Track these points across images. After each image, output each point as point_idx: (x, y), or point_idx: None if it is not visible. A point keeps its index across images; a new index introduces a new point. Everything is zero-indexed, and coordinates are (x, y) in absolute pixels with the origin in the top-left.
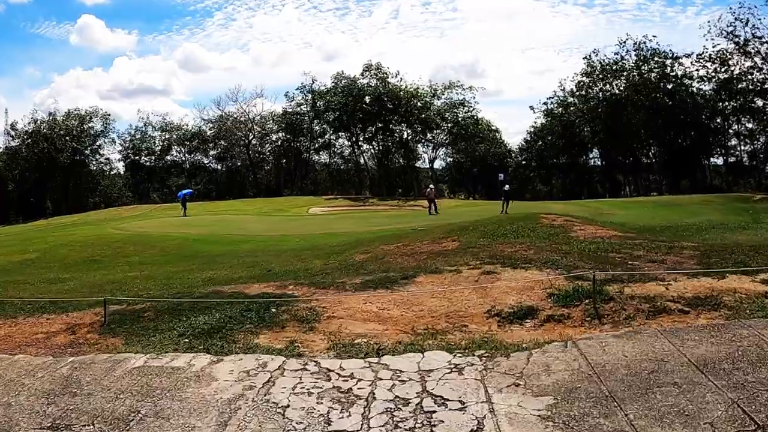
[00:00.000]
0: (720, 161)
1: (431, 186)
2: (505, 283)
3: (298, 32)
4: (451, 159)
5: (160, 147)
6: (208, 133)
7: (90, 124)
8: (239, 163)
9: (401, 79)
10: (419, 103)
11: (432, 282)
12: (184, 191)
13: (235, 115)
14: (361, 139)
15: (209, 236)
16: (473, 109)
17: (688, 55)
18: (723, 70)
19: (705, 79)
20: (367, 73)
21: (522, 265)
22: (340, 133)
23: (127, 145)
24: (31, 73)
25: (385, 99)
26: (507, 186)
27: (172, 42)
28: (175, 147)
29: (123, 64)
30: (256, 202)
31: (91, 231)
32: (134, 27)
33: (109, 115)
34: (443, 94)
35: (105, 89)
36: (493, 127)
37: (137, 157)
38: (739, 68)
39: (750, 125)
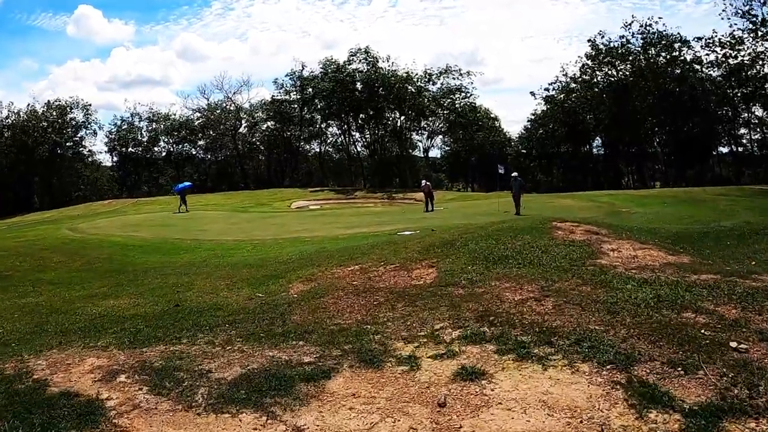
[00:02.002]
0: (725, 150)
1: (426, 181)
2: (502, 421)
3: (296, 21)
4: (448, 148)
5: (147, 138)
6: (196, 123)
7: (71, 116)
8: (228, 154)
9: (392, 63)
10: (412, 89)
11: (356, 396)
12: (183, 184)
13: (224, 104)
14: (352, 127)
15: (153, 242)
16: (471, 95)
17: (698, 39)
18: (733, 55)
19: (714, 64)
20: (355, 58)
21: (535, 348)
22: (330, 122)
23: (113, 136)
24: (28, 65)
25: (376, 85)
26: (520, 178)
27: (169, 32)
28: (163, 138)
29: (120, 55)
30: (238, 195)
31: (44, 232)
32: (131, 17)
33: (90, 105)
34: (439, 80)
35: (103, 80)
36: (492, 115)
37: (124, 149)
38: (751, 53)
39: (760, 113)
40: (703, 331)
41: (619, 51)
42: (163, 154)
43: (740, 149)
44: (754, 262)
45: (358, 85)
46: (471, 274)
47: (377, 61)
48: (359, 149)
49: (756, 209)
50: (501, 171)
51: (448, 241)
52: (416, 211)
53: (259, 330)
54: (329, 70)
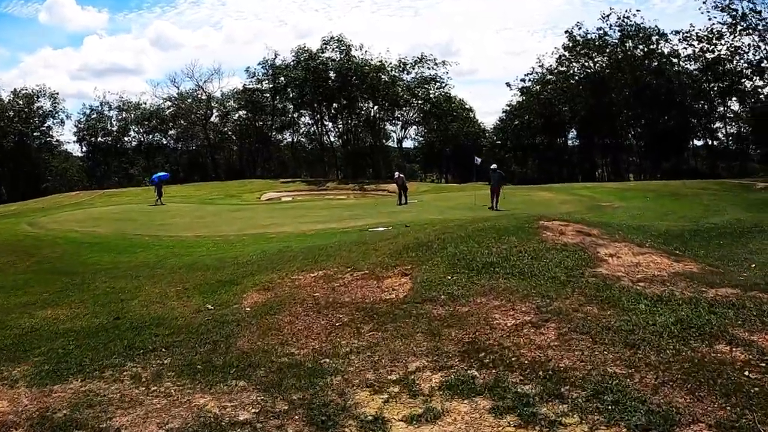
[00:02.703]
0: (700, 143)
1: (399, 173)
2: None
3: (272, 10)
4: (422, 138)
5: (117, 127)
6: (167, 113)
7: (38, 104)
8: (199, 144)
9: (366, 51)
10: (386, 78)
11: None
12: (159, 174)
13: (195, 93)
14: (325, 117)
15: (111, 239)
16: (445, 85)
17: (676, 32)
18: (710, 49)
19: (691, 58)
20: (328, 46)
21: (543, 405)
22: (302, 111)
23: (82, 125)
24: None
25: (349, 74)
26: (498, 169)
27: (143, 20)
28: (133, 127)
29: (93, 43)
30: (207, 186)
31: (0, 228)
32: (104, 4)
33: (57, 93)
34: (413, 69)
35: (75, 69)
36: (467, 106)
37: (93, 139)
38: (728, 48)
39: (736, 107)
40: (747, 373)
41: (597, 43)
42: (134, 144)
43: (715, 143)
44: (754, 265)
45: (331, 74)
46: (451, 287)
47: (350, 50)
48: (332, 139)
49: (741, 204)
50: (478, 162)
51: (423, 243)
52: (389, 204)
53: (197, 359)
54: (302, 59)
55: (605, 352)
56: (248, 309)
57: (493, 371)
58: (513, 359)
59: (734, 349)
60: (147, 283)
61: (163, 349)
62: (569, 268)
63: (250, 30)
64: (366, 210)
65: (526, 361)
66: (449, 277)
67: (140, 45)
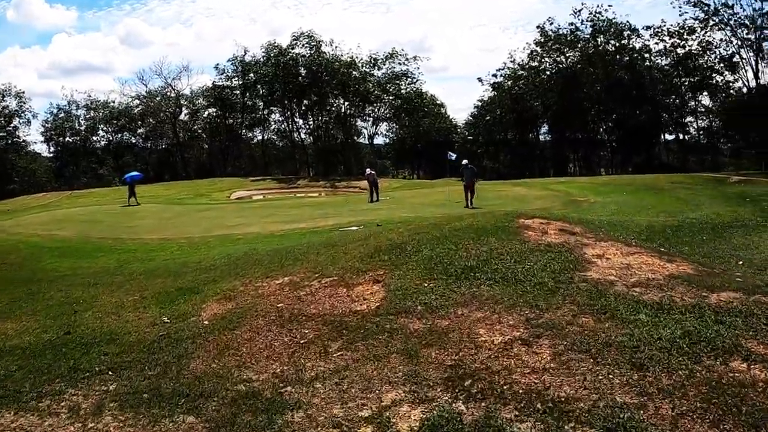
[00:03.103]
0: (671, 137)
1: (370, 170)
2: None
3: (243, 8)
4: (394, 135)
5: (85, 127)
6: (135, 111)
7: (4, 104)
8: (169, 142)
9: (336, 47)
10: (356, 74)
11: None
12: (132, 174)
13: (164, 91)
14: (296, 114)
15: (73, 243)
16: (417, 81)
17: (647, 27)
18: (681, 44)
19: (662, 53)
20: (298, 42)
21: None
22: (272, 108)
23: (49, 125)
24: None
25: (320, 69)
26: (470, 164)
27: (112, 17)
28: (102, 126)
29: (62, 41)
30: (176, 185)
31: None
32: (73, 2)
33: (24, 92)
34: (384, 65)
35: (44, 67)
36: (438, 102)
37: (61, 138)
38: (699, 43)
39: (707, 102)
40: None
41: (568, 38)
42: (102, 143)
43: (686, 137)
44: (741, 262)
45: (302, 70)
46: (429, 296)
47: (320, 46)
48: (303, 136)
49: (718, 198)
50: (451, 157)
51: (396, 245)
52: (360, 202)
53: (144, 386)
54: (272, 55)
55: (610, 376)
56: (206, 322)
57: (483, 404)
58: (505, 387)
59: (752, 366)
60: (104, 292)
61: (110, 372)
62: (556, 272)
63: (221, 28)
64: (336, 208)
65: (520, 390)
66: (425, 284)
67: (110, 43)
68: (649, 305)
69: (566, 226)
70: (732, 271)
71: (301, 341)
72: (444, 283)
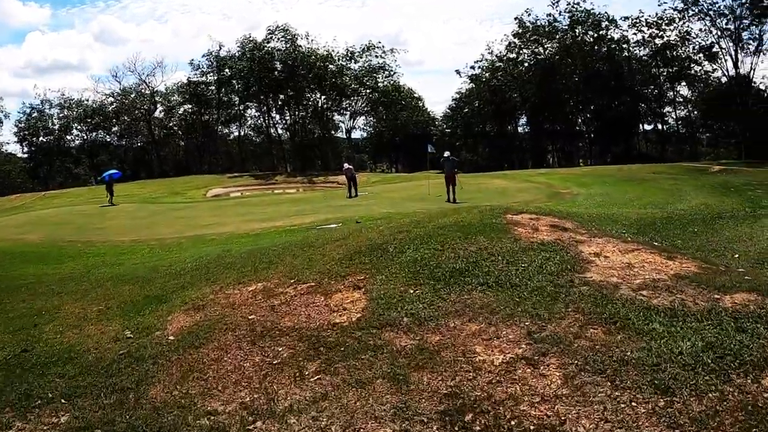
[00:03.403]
0: (649, 128)
1: (348, 164)
2: None
3: (218, 3)
4: (372, 128)
5: (59, 126)
6: (110, 109)
7: None
8: (144, 140)
9: (311, 41)
10: (333, 67)
11: None
12: (110, 172)
13: (139, 88)
14: (272, 109)
15: (40, 247)
16: (394, 74)
17: (626, 18)
18: (659, 35)
19: (641, 44)
20: (273, 36)
21: None
22: (249, 103)
23: (23, 125)
24: None
25: (295, 63)
26: (451, 156)
27: (86, 15)
28: (76, 125)
29: (36, 40)
30: (152, 184)
31: None
32: (46, 0)
33: None
34: (361, 58)
35: (18, 66)
36: (416, 95)
37: (34, 138)
38: (678, 32)
39: (686, 92)
40: None
41: (546, 29)
42: (77, 142)
43: (665, 127)
44: (737, 255)
45: (278, 65)
46: (416, 305)
47: (296, 39)
48: (280, 132)
49: (702, 189)
50: (431, 150)
51: (378, 246)
52: (339, 197)
53: (97, 419)
54: (247, 49)
55: (633, 403)
56: (171, 338)
57: None
58: (513, 423)
59: None
60: (68, 301)
61: (63, 401)
62: (554, 273)
63: (196, 24)
64: (314, 204)
65: (531, 427)
66: (411, 291)
67: (84, 40)
68: (661, 312)
69: (557, 222)
70: (734, 266)
71: (274, 361)
72: (432, 290)
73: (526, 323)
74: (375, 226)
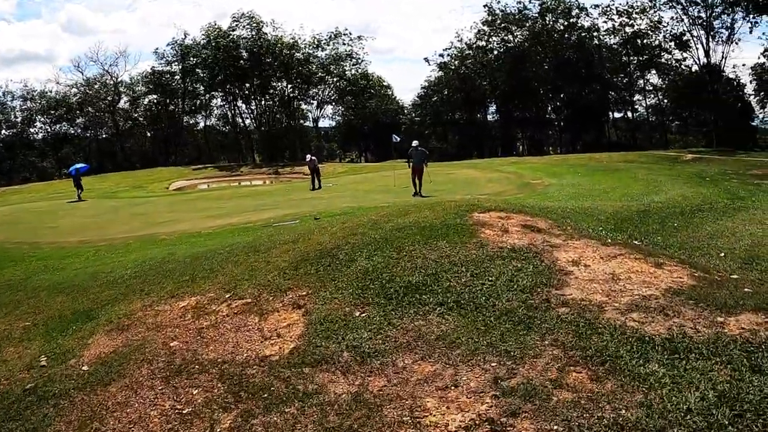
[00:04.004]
0: (619, 116)
1: (311, 156)
2: None
3: None
4: (340, 117)
5: (21, 118)
6: (73, 100)
7: None
8: (109, 132)
9: (276, 28)
10: (299, 55)
11: None
12: (77, 166)
13: (104, 78)
14: (238, 98)
15: None
16: (362, 62)
17: (596, 6)
18: (630, 23)
19: (611, 32)
20: (238, 24)
21: None
22: (214, 93)
23: None
24: None
25: (261, 52)
26: (420, 146)
27: (54, 3)
28: (39, 117)
29: (1, 30)
30: (114, 177)
31: None
32: None
33: None
34: (328, 46)
35: None
36: (385, 83)
37: None
38: (650, 20)
39: (656, 80)
40: None
41: (516, 17)
42: (41, 135)
43: (635, 115)
44: (722, 254)
45: (243, 53)
46: (360, 333)
47: (261, 27)
48: (248, 122)
49: (678, 179)
50: (396, 140)
51: (327, 251)
52: (302, 189)
53: None
54: (212, 37)
55: None
56: (85, 368)
57: None
58: None
59: None
60: None
61: None
62: (527, 289)
63: (166, 13)
64: (276, 198)
65: None
66: (357, 314)
67: (52, 30)
68: (658, 345)
69: (528, 220)
70: (723, 268)
71: (185, 410)
72: (381, 312)
73: (493, 364)
74: (329, 226)
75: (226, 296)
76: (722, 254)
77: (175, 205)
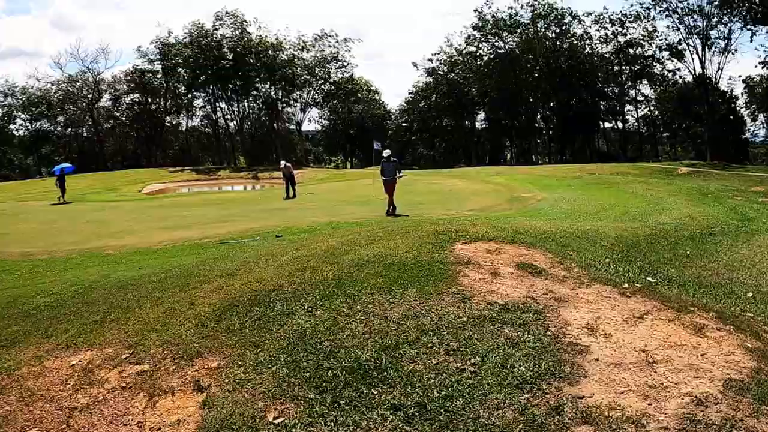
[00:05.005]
0: (609, 125)
1: (286, 162)
2: None
3: None
4: (326, 121)
5: (1, 114)
6: (54, 97)
7: None
8: (91, 131)
9: (260, 27)
10: (283, 56)
11: None
12: (62, 166)
13: (85, 76)
14: (220, 99)
15: None
16: (348, 64)
17: (589, 14)
18: (623, 32)
19: (604, 41)
20: (221, 22)
21: None
22: (196, 93)
23: None
24: None
25: (244, 52)
26: (391, 157)
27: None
28: (20, 114)
29: None
30: (88, 178)
31: None
32: None
33: None
34: (313, 47)
35: None
36: (372, 87)
37: None
38: (644, 29)
39: (647, 91)
40: None
41: (507, 23)
42: (20, 132)
43: (625, 125)
44: (750, 294)
45: (226, 52)
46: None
47: (245, 26)
48: (231, 124)
49: (679, 194)
50: (377, 147)
51: (263, 295)
52: (276, 198)
53: None
54: (194, 36)
55: None
56: None
57: None
58: None
59: None
60: None
61: None
62: (526, 385)
63: (154, 10)
64: (246, 206)
65: None
66: (271, 417)
67: (40, 26)
68: None
69: (524, 255)
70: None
71: None
72: (306, 415)
73: None
74: (280, 254)
75: (124, 356)
76: (749, 294)
77: (138, 212)
